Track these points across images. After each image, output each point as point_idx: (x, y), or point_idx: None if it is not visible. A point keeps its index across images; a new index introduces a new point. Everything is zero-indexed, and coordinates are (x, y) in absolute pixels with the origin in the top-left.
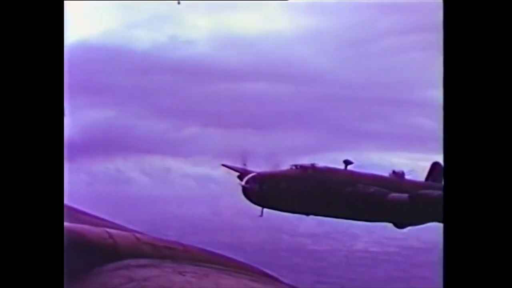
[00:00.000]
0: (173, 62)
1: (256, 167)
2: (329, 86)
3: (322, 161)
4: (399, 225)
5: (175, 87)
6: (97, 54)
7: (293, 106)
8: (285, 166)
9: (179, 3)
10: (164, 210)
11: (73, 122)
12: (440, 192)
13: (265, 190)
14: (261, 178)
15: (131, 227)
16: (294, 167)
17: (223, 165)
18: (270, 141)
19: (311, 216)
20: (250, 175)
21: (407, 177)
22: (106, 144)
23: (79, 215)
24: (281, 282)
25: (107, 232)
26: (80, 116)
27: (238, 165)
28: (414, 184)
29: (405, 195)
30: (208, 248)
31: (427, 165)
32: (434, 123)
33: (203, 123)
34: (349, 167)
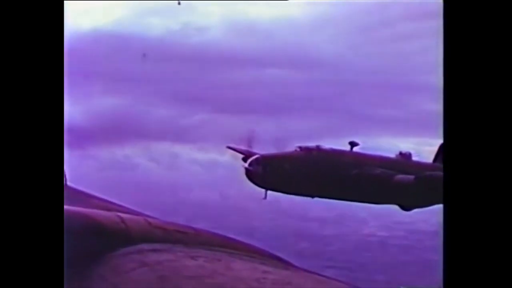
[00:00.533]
0: (186, 49)
1: (262, 150)
2: (341, 72)
3: (331, 145)
4: (406, 207)
5: (187, 74)
6: (110, 41)
7: (304, 92)
8: (290, 148)
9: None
10: (172, 196)
11: (84, 109)
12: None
13: (268, 172)
14: (264, 159)
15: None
16: (298, 149)
17: (228, 147)
18: (279, 127)
19: (318, 200)
20: (253, 157)
21: (414, 158)
22: (116, 131)
23: (91, 200)
24: (294, 266)
25: (119, 216)
26: (92, 103)
27: (244, 148)
28: (421, 165)
29: (412, 177)
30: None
31: (435, 149)
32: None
33: (213, 109)
34: (355, 149)
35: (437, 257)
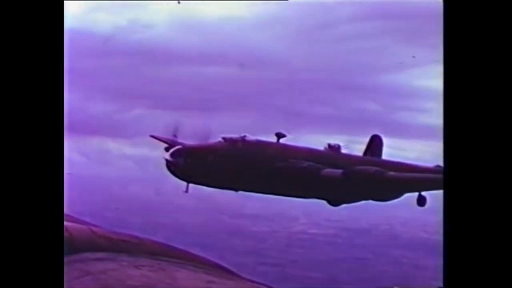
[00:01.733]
0: (131, 46)
1: (189, 140)
2: (281, 70)
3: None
4: (333, 202)
5: (130, 70)
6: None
7: (242, 89)
8: (214, 140)
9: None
10: (104, 191)
11: None
12: (377, 168)
13: (190, 164)
14: (186, 151)
15: (70, 207)
16: (223, 140)
17: (152, 136)
18: (212, 122)
19: (250, 197)
20: (175, 148)
21: (343, 151)
22: None
23: None
24: (237, 275)
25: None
26: None
27: (168, 138)
28: (351, 158)
29: (339, 171)
30: (149, 230)
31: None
32: (379, 107)
33: (150, 105)
34: (282, 141)
35: (367, 255)
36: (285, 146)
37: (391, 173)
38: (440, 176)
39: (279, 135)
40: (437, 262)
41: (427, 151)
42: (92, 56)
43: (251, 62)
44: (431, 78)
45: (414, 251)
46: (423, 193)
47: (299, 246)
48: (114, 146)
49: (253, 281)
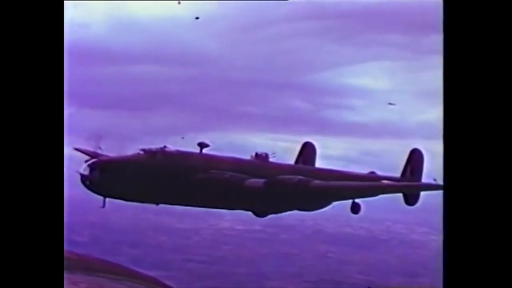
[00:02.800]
0: (66, 45)
1: (112, 151)
2: (215, 69)
3: (186, 141)
4: (259, 213)
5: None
6: None
7: (177, 88)
8: (133, 151)
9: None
10: None
11: None
12: (301, 177)
13: (106, 178)
14: (101, 164)
15: None
16: (141, 152)
17: (76, 148)
18: (142, 122)
19: None
20: (90, 161)
21: (271, 159)
22: None
23: None
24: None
25: None
26: None
27: (92, 150)
28: (280, 167)
29: (261, 181)
30: (76, 229)
31: (290, 145)
32: (311, 106)
33: (81, 105)
34: (205, 150)
35: (292, 250)
36: (207, 156)
37: (317, 181)
38: (373, 183)
39: (202, 145)
40: (363, 256)
41: (351, 148)
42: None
43: (186, 61)
44: (360, 76)
45: (339, 246)
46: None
47: (225, 242)
48: None
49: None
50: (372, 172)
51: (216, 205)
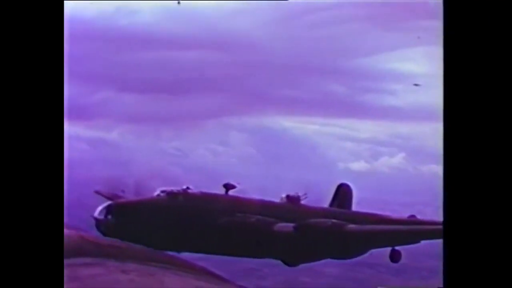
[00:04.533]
0: (115, 31)
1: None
2: (257, 55)
3: (228, 123)
4: (289, 262)
5: (106, 55)
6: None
7: (217, 73)
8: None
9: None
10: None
11: None
12: (335, 221)
13: (121, 223)
14: (117, 208)
15: None
16: (162, 194)
17: (96, 191)
18: (179, 106)
19: None
20: (105, 205)
21: (303, 201)
22: None
23: None
24: (224, 280)
25: None
26: None
27: (112, 192)
28: (312, 211)
29: (291, 225)
30: None
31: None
32: (348, 90)
33: (120, 89)
34: (232, 192)
35: None
36: (233, 198)
37: (352, 226)
38: (414, 227)
39: (228, 187)
40: None
41: (381, 132)
42: (74, 41)
43: (229, 47)
44: (403, 62)
45: None
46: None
47: None
48: (69, 129)
49: (239, 286)
50: (412, 216)
51: (242, 252)
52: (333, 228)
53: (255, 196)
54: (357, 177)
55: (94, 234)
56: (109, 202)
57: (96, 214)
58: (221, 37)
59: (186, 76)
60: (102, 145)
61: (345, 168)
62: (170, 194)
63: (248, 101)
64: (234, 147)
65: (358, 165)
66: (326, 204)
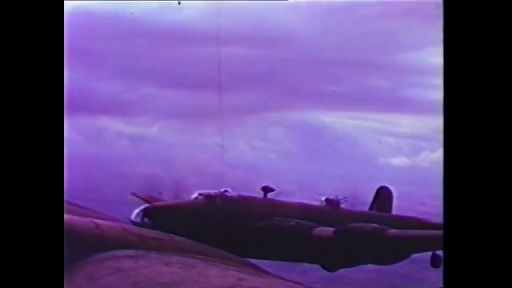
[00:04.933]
0: (159, 27)
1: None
2: (301, 50)
3: (268, 118)
4: (329, 267)
5: (154, 51)
6: (86, 19)
7: (260, 68)
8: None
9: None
10: (103, 169)
11: None
12: (376, 225)
13: (158, 225)
14: (154, 210)
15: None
16: (200, 196)
17: (133, 193)
18: (220, 101)
19: None
20: (141, 208)
21: (343, 205)
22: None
23: (65, 205)
24: (266, 272)
25: (94, 222)
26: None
27: (150, 195)
28: (352, 214)
29: (331, 230)
30: None
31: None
32: (390, 84)
33: (163, 85)
34: (270, 195)
35: None
36: (272, 201)
37: (393, 230)
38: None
39: (266, 190)
40: None
41: (422, 126)
42: (117, 37)
43: (273, 43)
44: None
45: None
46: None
47: None
48: (113, 125)
49: (281, 278)
50: None
51: (280, 257)
52: (374, 232)
53: (296, 192)
54: (398, 172)
55: (137, 227)
56: (146, 205)
57: (132, 217)
58: (263, 33)
59: (228, 71)
60: (143, 141)
61: (386, 163)
62: (207, 197)
63: (288, 96)
64: (274, 142)
65: (399, 160)
66: (366, 205)
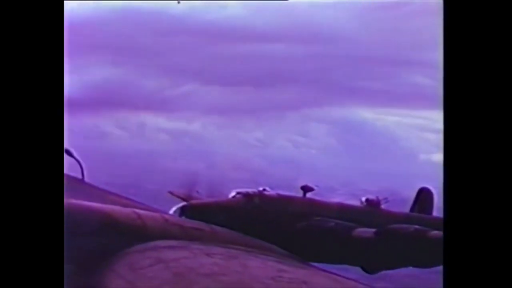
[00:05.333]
0: (204, 25)
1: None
2: (343, 47)
3: (309, 114)
4: (368, 269)
5: (193, 48)
6: (133, 17)
7: (303, 65)
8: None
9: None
10: (144, 164)
11: (76, 80)
12: (417, 227)
13: None
14: (192, 209)
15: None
16: (238, 195)
17: (170, 192)
18: (262, 97)
19: None
20: (179, 205)
21: (383, 206)
22: (102, 101)
23: (108, 196)
24: (307, 264)
25: (136, 213)
26: (87, 73)
27: (186, 193)
28: (393, 215)
29: (371, 231)
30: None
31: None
32: (432, 82)
33: (206, 82)
34: (309, 195)
35: None
36: (311, 201)
37: (435, 232)
38: None
39: (306, 189)
40: None
41: None
42: (163, 35)
43: (316, 40)
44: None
45: None
46: None
47: None
48: (154, 120)
49: (323, 270)
50: None
51: (319, 258)
52: (416, 234)
53: (337, 189)
54: (439, 169)
55: (178, 218)
56: (183, 203)
57: (170, 213)
58: (306, 30)
59: (270, 68)
60: (184, 137)
61: (427, 160)
62: (245, 196)
63: (329, 93)
64: (315, 138)
65: (440, 157)
66: (406, 203)
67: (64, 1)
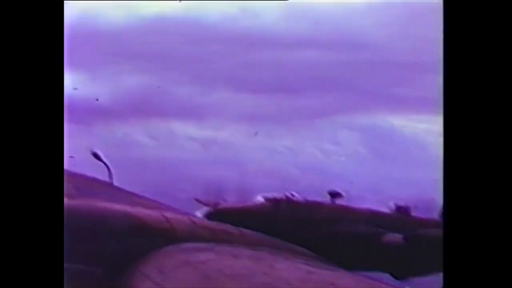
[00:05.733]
0: (236, 32)
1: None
2: (376, 54)
3: (338, 121)
4: (398, 276)
5: (225, 56)
6: (168, 25)
7: (334, 72)
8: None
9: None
10: (176, 172)
11: (110, 87)
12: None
13: None
14: (218, 214)
15: (145, 188)
16: (264, 200)
17: (196, 199)
18: (291, 105)
19: None
20: (204, 210)
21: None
22: (131, 109)
23: (136, 198)
24: (336, 265)
25: (164, 216)
26: (120, 82)
27: (214, 200)
28: (422, 222)
29: (400, 236)
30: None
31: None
32: None
33: (237, 89)
34: (339, 201)
35: None
36: (339, 207)
37: None
38: None
39: (333, 194)
40: None
41: None
42: (195, 43)
43: (350, 46)
44: None
45: None
46: None
47: None
48: (184, 128)
49: (352, 271)
50: None
51: (347, 265)
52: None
53: (366, 196)
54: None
55: (206, 220)
56: (209, 208)
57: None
58: (336, 36)
59: (299, 75)
60: (213, 144)
61: None
62: (272, 201)
63: (359, 100)
64: (344, 146)
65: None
66: (437, 213)
67: (64, 1)
